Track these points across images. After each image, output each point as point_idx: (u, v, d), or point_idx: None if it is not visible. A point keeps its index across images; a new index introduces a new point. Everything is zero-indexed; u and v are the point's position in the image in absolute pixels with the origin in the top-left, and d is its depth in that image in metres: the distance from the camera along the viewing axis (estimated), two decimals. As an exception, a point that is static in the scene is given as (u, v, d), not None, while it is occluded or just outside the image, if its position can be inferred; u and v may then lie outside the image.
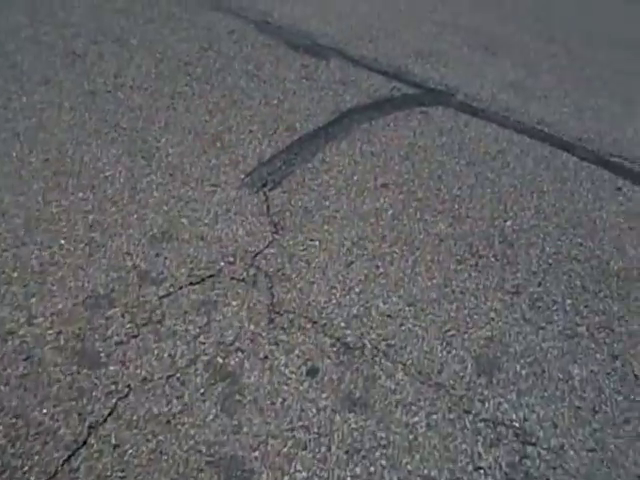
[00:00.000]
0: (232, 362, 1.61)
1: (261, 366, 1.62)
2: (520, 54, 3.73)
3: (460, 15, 4.17)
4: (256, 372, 1.60)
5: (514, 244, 2.18)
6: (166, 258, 1.88)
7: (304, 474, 1.40)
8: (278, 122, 2.63)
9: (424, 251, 2.09)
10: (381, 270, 1.98)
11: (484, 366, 1.72)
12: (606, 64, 3.77)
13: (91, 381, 1.50)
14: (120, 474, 1.34)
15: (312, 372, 1.63)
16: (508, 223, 2.28)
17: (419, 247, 2.10)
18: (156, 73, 2.82)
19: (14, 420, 1.41)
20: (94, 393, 1.48)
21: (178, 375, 1.55)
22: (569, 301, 1.98)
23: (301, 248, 2.01)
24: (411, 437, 1.51)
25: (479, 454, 1.49)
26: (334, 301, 1.84)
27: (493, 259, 2.10)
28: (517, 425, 1.57)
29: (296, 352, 1.67)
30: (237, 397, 1.53)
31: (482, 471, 1.46)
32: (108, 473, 1.33)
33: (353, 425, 1.52)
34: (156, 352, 1.60)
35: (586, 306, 1.98)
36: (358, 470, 1.42)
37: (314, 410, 1.53)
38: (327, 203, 2.23)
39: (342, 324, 1.77)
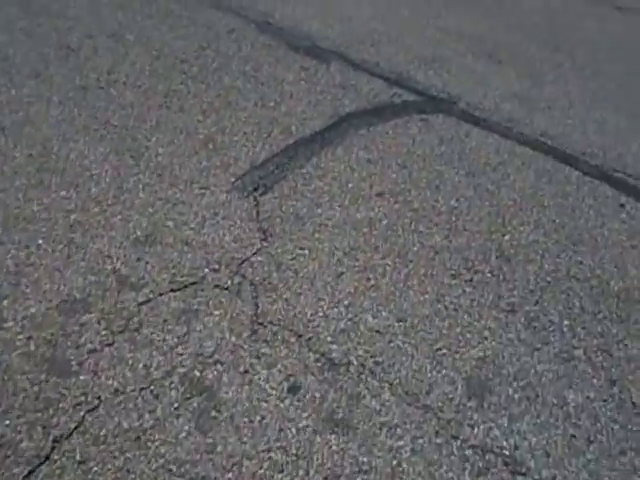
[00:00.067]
0: (210, 375, 1.53)
1: (240, 380, 1.54)
2: (525, 64, 3.66)
3: (465, 22, 4.10)
4: (234, 387, 1.52)
5: (511, 260, 2.11)
6: (148, 263, 1.81)
7: (279, 499, 1.32)
8: (273, 125, 2.56)
9: (417, 264, 2.01)
10: (372, 283, 1.91)
11: (475, 388, 1.65)
12: (612, 76, 3.70)
13: (59, 391, 1.42)
14: (83, 493, 1.26)
15: (294, 389, 1.55)
16: (506, 238, 2.21)
17: (412, 260, 2.02)
18: (151, 70, 2.75)
19: (-26, 431, 1.33)
20: (61, 404, 1.40)
21: (152, 388, 1.47)
22: (566, 322, 1.91)
23: (290, 257, 1.94)
24: (394, 462, 1.43)
25: (466, 483, 1.41)
26: (321, 314, 1.76)
27: (489, 275, 2.03)
28: (507, 453, 1.49)
29: (278, 367, 1.59)
30: (213, 413, 1.45)
31: (468, 502, 1.38)
32: (70, 492, 1.26)
33: (334, 447, 1.44)
34: (130, 362, 1.52)
35: (584, 328, 1.90)
36: (336, 497, 1.35)
37: (293, 430, 1.45)
38: (319, 210, 2.16)
39: (328, 338, 1.70)
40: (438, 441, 1.50)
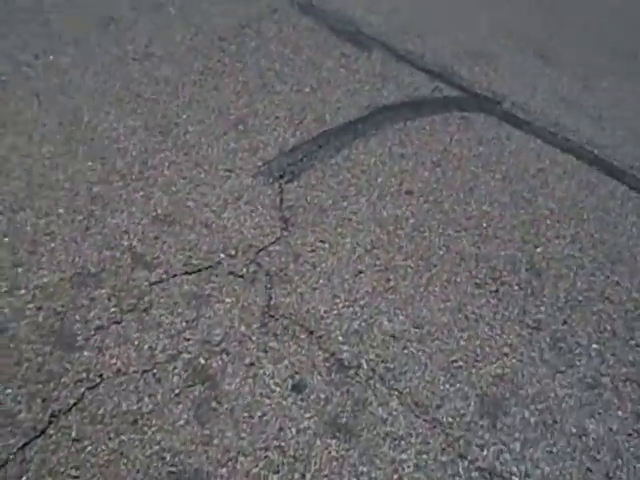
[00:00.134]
0: (214, 364, 1.50)
1: (245, 373, 1.50)
2: (577, 66, 3.46)
3: (517, 17, 3.90)
4: (238, 379, 1.48)
5: (542, 274, 1.99)
6: (165, 242, 1.77)
7: (271, 501, 1.28)
8: (307, 111, 2.49)
9: (441, 269, 1.92)
10: (391, 284, 1.83)
11: (489, 407, 1.56)
12: (672, 88, 3.46)
13: (62, 365, 1.41)
14: (74, 472, 1.24)
15: (299, 387, 1.50)
16: (539, 250, 2.09)
17: (436, 264, 1.93)
18: (189, 46, 2.71)
19: (-24, 396, 1.33)
20: (63, 379, 1.39)
21: (155, 371, 1.45)
22: (595, 346, 1.79)
23: (309, 249, 1.87)
24: (395, 476, 1.37)
25: (468, 507, 1.34)
26: (335, 312, 1.70)
27: (516, 287, 1.92)
28: (516, 480, 1.41)
29: (285, 362, 1.54)
30: (213, 404, 1.42)
31: (469, 527, 1.31)
32: (61, 469, 1.24)
33: (334, 453, 1.38)
34: (136, 342, 1.50)
35: (614, 354, 1.78)
36: (331, 505, 1.29)
37: (294, 430, 1.41)
38: (345, 204, 2.08)
39: (340, 338, 1.63)
40: (444, 459, 1.42)
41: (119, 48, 2.56)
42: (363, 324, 1.68)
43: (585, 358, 1.75)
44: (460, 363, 1.65)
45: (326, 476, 1.34)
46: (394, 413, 1.49)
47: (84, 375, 1.40)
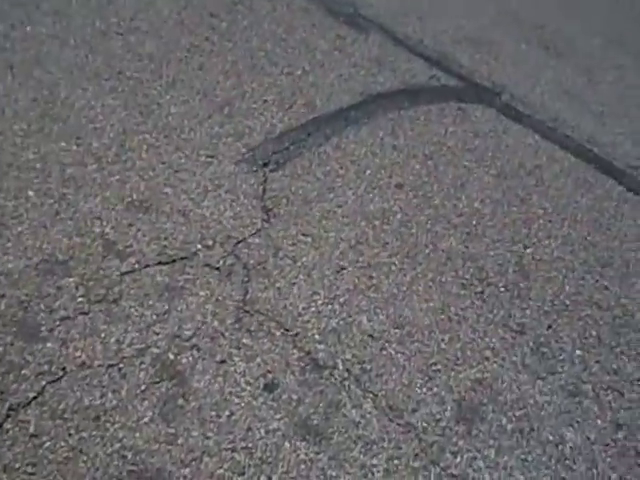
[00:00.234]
0: (184, 360, 1.44)
1: (215, 370, 1.44)
2: (582, 58, 3.36)
3: (524, 5, 3.77)
4: (208, 376, 1.43)
5: (530, 276, 1.93)
6: (139, 230, 1.70)
7: (233, 506, 1.24)
8: (297, 95, 2.40)
9: (426, 267, 1.86)
10: (374, 282, 1.77)
11: (465, 412, 1.52)
12: (678, 84, 3.36)
13: (23, 357, 1.35)
14: (30, 469, 1.20)
15: (270, 387, 1.45)
16: (528, 250, 2.03)
17: (422, 262, 1.87)
18: (176, 21, 2.59)
19: None
20: (23, 371, 1.33)
21: (121, 365, 1.39)
22: (579, 352, 1.75)
23: (290, 242, 1.81)
24: (364, 483, 1.33)
25: (437, 517, 1.31)
26: (313, 309, 1.65)
27: (502, 289, 1.87)
28: (488, 490, 1.38)
29: (257, 360, 1.49)
30: (180, 402, 1.37)
31: (436, 538, 1.28)
32: (17, 465, 1.20)
33: (302, 456, 1.34)
34: (103, 335, 1.44)
35: (597, 361, 1.74)
36: (295, 512, 1.26)
37: (262, 431, 1.36)
38: (331, 195, 2.01)
39: (316, 337, 1.58)
40: (416, 465, 1.39)
41: (102, 21, 2.45)
42: (341, 322, 1.63)
43: (568, 364, 1.70)
44: (439, 366, 1.60)
45: (293, 479, 1.30)
46: (367, 416, 1.44)
47: (46, 368, 1.35)
